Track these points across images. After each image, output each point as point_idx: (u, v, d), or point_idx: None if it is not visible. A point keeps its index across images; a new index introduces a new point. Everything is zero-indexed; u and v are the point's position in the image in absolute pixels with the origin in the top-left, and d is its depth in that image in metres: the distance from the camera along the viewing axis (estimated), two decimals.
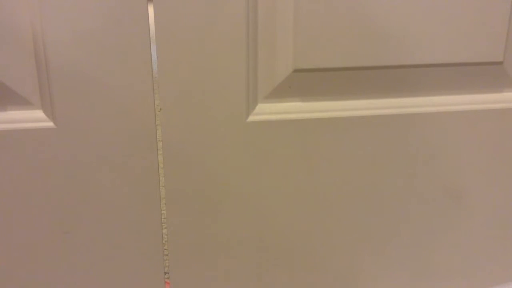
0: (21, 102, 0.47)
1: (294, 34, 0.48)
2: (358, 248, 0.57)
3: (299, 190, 0.54)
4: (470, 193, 0.57)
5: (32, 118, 0.47)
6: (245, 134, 0.51)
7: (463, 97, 0.54)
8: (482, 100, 0.55)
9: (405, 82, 0.53)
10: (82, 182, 0.49)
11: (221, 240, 0.54)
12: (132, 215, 0.51)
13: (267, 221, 0.54)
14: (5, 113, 0.47)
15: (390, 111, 0.53)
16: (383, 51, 0.50)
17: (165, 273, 0.54)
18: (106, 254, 0.52)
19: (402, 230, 0.57)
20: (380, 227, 0.57)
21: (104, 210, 0.50)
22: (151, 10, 0.45)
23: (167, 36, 0.46)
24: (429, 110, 0.53)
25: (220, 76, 0.48)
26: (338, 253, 0.57)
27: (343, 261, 0.57)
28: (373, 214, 0.56)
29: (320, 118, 0.51)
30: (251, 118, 0.50)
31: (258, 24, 0.48)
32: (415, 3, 0.49)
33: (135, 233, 0.52)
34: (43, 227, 0.50)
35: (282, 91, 0.50)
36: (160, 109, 0.48)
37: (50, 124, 0.47)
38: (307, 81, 0.51)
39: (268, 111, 0.51)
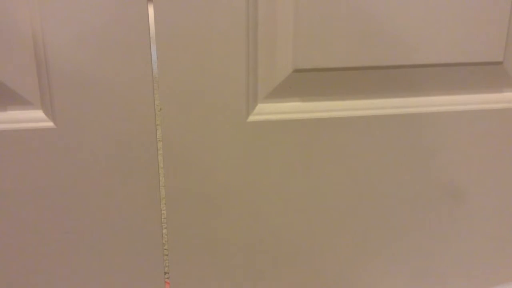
0: (21, 102, 0.47)
1: (294, 34, 0.48)
2: (358, 248, 0.57)
3: (299, 190, 0.54)
4: (470, 192, 0.57)
5: (32, 118, 0.47)
6: (245, 134, 0.50)
7: (463, 97, 0.54)
8: (482, 100, 0.55)
9: (405, 82, 0.53)
10: (82, 182, 0.49)
11: (221, 240, 0.54)
12: (132, 215, 0.51)
13: (267, 221, 0.54)
14: (5, 113, 0.47)
15: (390, 111, 0.53)
16: (383, 51, 0.50)
17: (165, 273, 0.54)
18: (106, 254, 0.52)
19: (402, 230, 0.57)
20: (380, 227, 0.57)
21: (104, 210, 0.50)
22: (151, 10, 0.45)
23: (167, 36, 0.46)
24: (429, 110, 0.53)
25: (220, 76, 0.48)
26: (338, 253, 0.57)
27: (344, 261, 0.57)
28: (373, 214, 0.56)
29: (320, 118, 0.51)
30: (251, 118, 0.50)
31: (258, 24, 0.48)
32: (415, 3, 0.49)
33: (135, 233, 0.52)
34: (43, 227, 0.50)
35: (282, 91, 0.50)
36: (160, 109, 0.48)
37: (50, 124, 0.47)
38: (307, 81, 0.50)
39: (268, 111, 0.51)
